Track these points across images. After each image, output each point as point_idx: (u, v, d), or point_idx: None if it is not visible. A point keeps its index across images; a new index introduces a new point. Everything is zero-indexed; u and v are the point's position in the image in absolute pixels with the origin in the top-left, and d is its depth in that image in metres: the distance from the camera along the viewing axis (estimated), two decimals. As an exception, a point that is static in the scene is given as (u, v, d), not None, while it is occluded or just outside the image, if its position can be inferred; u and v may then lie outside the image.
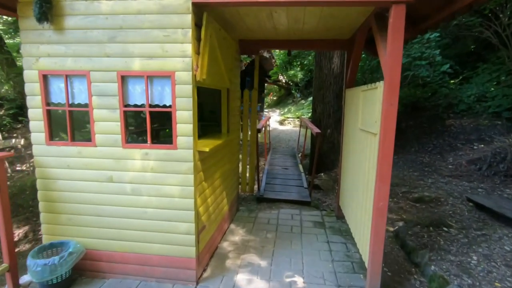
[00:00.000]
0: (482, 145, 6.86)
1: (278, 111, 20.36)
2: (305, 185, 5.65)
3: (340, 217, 4.27)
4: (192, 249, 2.67)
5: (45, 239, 2.84)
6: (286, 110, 19.07)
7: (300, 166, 7.14)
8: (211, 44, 2.65)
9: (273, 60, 14.47)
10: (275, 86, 23.73)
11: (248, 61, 11.10)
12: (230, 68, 3.54)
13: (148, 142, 2.59)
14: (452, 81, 8.40)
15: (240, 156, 4.97)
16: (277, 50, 20.82)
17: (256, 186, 5.44)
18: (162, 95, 2.54)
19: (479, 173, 5.71)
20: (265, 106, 20.85)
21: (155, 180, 2.63)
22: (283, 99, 22.55)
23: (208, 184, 3.00)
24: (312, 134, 6.28)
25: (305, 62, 16.37)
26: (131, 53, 2.47)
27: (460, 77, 8.35)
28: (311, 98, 15.29)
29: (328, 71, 6.53)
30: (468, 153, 7.30)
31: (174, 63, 2.44)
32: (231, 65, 3.58)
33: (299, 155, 8.96)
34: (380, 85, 2.36)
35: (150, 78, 2.51)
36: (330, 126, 6.68)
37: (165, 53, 2.44)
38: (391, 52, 2.21)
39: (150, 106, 2.55)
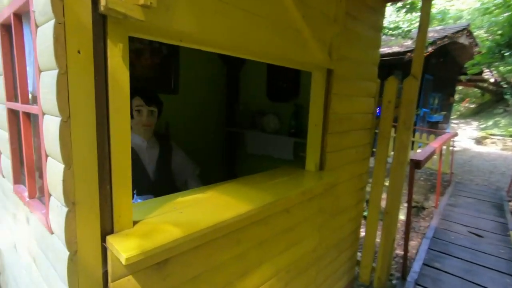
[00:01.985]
0: None
1: (475, 123, 14.45)
2: (528, 298, 2.46)
3: None
4: None
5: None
6: (490, 123, 13.13)
7: (514, 236, 3.62)
8: None
9: (474, 50, 9.83)
10: (475, 89, 17.02)
11: (429, 50, 7.62)
12: (331, 19, 1.42)
13: (27, 192, 1.02)
14: None
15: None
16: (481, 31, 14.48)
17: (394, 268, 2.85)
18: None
19: None
20: (454, 116, 15.30)
21: (38, 290, 1.04)
22: (486, 108, 15.90)
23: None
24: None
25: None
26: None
27: None
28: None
29: None
30: None
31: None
32: (333, 13, 1.44)
33: (512, 204, 5.01)
34: None
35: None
36: None
37: None
38: None
39: (17, 97, 0.97)
